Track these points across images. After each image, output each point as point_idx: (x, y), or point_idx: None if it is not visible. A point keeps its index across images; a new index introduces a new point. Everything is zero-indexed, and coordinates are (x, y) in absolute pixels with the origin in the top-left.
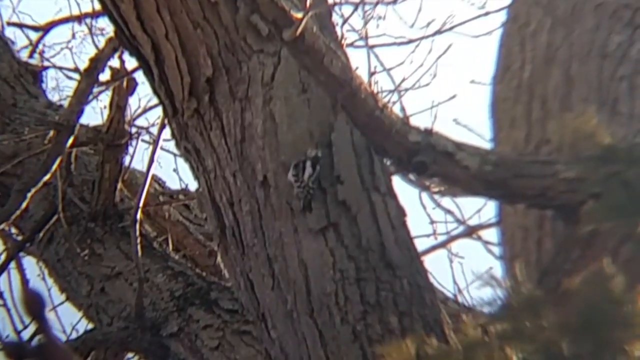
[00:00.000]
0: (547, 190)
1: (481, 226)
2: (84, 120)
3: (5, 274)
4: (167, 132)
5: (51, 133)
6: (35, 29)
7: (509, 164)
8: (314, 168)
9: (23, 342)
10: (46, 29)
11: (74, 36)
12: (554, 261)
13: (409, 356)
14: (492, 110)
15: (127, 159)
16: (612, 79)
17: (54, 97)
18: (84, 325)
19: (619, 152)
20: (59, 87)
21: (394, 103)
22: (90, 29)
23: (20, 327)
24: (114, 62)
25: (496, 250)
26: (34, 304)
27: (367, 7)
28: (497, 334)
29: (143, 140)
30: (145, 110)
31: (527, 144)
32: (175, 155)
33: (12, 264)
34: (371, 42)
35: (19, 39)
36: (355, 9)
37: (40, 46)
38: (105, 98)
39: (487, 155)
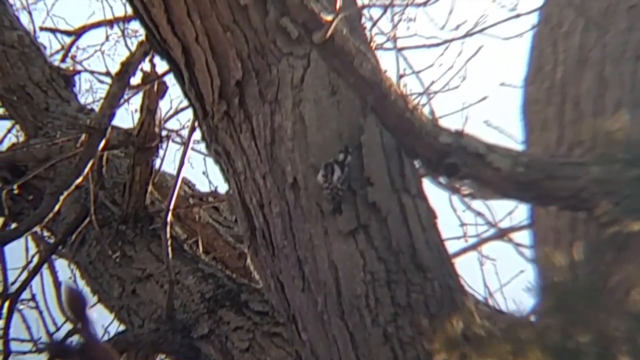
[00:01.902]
0: (580, 192)
1: (512, 228)
2: (116, 123)
3: (37, 277)
4: (197, 134)
5: (83, 136)
6: (67, 33)
7: (541, 165)
8: (342, 170)
9: (66, 342)
10: (78, 33)
11: (107, 38)
12: (587, 264)
13: (454, 334)
14: (523, 112)
15: (157, 162)
16: None
17: (87, 98)
18: (116, 327)
19: None
20: (92, 89)
21: (423, 106)
22: (123, 32)
23: (52, 329)
24: (145, 66)
25: (528, 253)
26: (76, 303)
27: (396, 9)
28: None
29: (174, 141)
30: (177, 112)
31: (559, 146)
32: (205, 156)
33: (45, 266)
34: (400, 44)
35: (52, 43)
36: (385, 12)
37: (73, 50)
38: (136, 101)
39: (519, 156)
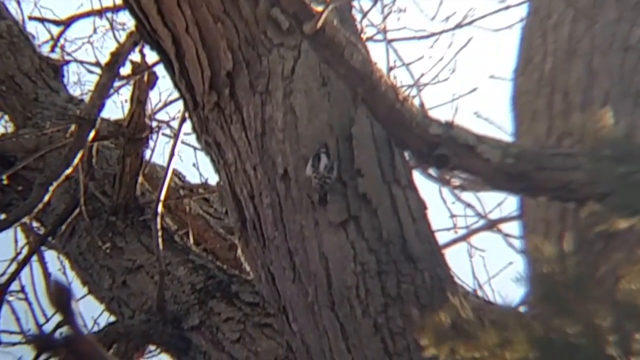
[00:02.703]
0: (570, 182)
1: (502, 219)
2: (105, 114)
3: (27, 268)
4: (187, 126)
5: (72, 127)
6: (56, 23)
7: (530, 156)
8: (328, 157)
9: (50, 334)
10: (67, 23)
11: (95, 31)
12: (576, 255)
13: (443, 328)
14: (513, 103)
15: (147, 153)
16: (635, 71)
17: (75, 91)
18: (106, 318)
19: (634, 152)
20: (80, 82)
21: (413, 97)
22: (111, 23)
23: (42, 320)
24: (135, 56)
25: (517, 243)
26: (61, 296)
27: (386, 1)
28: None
29: (164, 134)
30: (166, 104)
31: (549, 136)
32: (195, 149)
33: (34, 258)
34: (390, 36)
35: (41, 34)
36: (375, 3)
37: (62, 40)
38: (126, 92)
39: (508, 147)
